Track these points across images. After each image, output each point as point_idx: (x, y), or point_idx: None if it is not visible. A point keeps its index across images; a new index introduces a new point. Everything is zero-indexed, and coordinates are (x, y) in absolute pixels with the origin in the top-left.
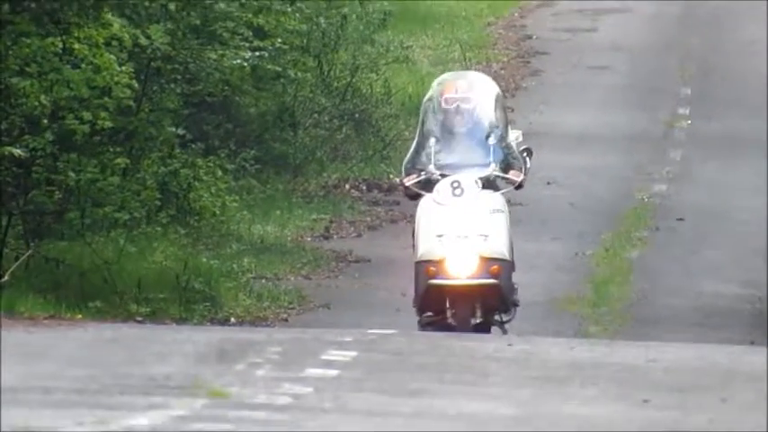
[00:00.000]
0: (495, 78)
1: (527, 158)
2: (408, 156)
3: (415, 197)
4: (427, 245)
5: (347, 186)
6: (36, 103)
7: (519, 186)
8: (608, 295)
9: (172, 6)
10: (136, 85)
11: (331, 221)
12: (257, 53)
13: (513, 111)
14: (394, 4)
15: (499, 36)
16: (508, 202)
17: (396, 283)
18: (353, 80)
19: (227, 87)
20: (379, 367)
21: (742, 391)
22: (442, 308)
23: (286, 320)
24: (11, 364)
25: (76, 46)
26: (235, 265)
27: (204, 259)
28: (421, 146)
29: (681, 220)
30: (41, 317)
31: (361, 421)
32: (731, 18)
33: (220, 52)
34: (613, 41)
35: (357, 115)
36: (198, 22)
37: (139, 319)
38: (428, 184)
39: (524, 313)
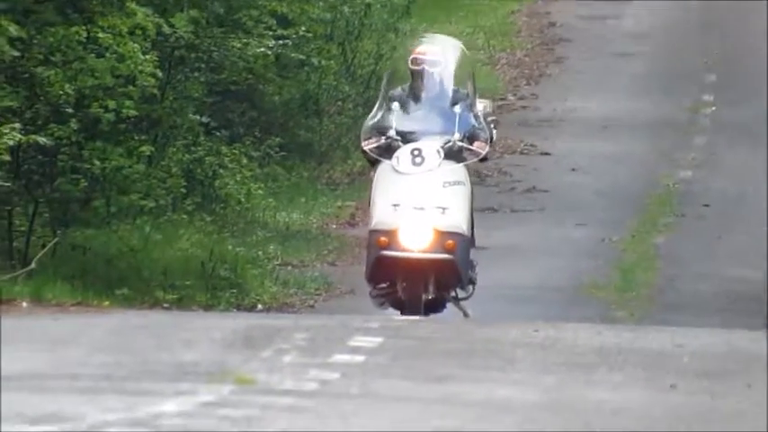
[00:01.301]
0: (518, 66)
1: (494, 130)
2: (370, 118)
3: (375, 162)
4: (381, 214)
5: (372, 173)
6: (61, 92)
7: (484, 159)
8: (634, 281)
9: None
10: (160, 73)
11: (356, 208)
12: (281, 41)
13: (536, 97)
14: None
15: (523, 23)
16: (532, 188)
17: None
18: (377, 68)
19: (251, 75)
20: (405, 353)
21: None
22: (392, 280)
23: (312, 307)
24: (38, 350)
25: (101, 35)
26: (260, 252)
27: (230, 246)
28: (384, 109)
29: (706, 206)
30: (69, 303)
31: (387, 407)
32: (757, 4)
33: (244, 41)
34: (637, 28)
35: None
36: (221, 10)
37: (166, 305)
38: (388, 150)
39: (551, 299)
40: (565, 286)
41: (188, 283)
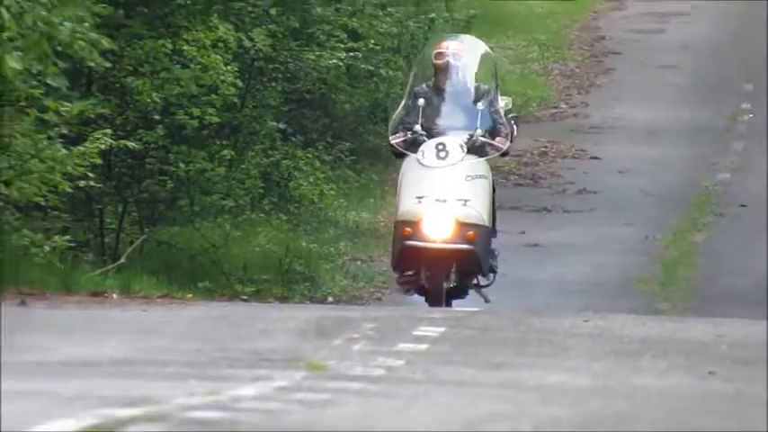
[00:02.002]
0: (570, 76)
1: (514, 126)
2: (396, 114)
3: (401, 156)
4: (406, 205)
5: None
6: (149, 100)
7: (505, 153)
8: (676, 276)
9: (273, 11)
10: (240, 83)
11: None
12: (351, 54)
13: (587, 105)
14: (477, 7)
15: (575, 37)
16: (582, 190)
17: None
18: None
19: (323, 85)
20: (465, 342)
21: None
22: (417, 268)
23: (380, 299)
24: (128, 339)
25: (186, 47)
26: (332, 249)
27: (304, 243)
28: (410, 106)
29: (744, 206)
30: (155, 296)
31: (448, 391)
32: None
33: (317, 53)
34: (680, 41)
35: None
36: (297, 25)
37: (245, 297)
38: (414, 144)
39: (599, 292)
40: (612, 280)
41: (265, 277)
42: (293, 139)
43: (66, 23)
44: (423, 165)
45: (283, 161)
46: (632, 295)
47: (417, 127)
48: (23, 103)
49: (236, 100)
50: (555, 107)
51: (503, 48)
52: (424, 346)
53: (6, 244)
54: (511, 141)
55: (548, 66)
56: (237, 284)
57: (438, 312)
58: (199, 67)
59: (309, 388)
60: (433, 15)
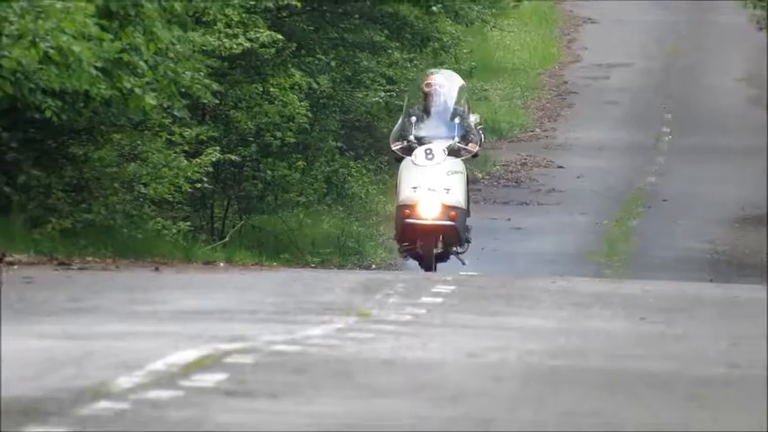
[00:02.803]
0: (543, 109)
1: (482, 135)
2: (395, 128)
3: (399, 159)
4: (405, 194)
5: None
6: (245, 126)
7: (475, 155)
8: (617, 250)
9: (333, 63)
10: (310, 114)
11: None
12: (388, 93)
13: (555, 130)
14: (477, 60)
15: (546, 81)
16: (551, 189)
17: (480, 242)
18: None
19: (369, 116)
20: (468, 296)
21: (704, 311)
22: (413, 240)
23: (392, 264)
24: (230, 294)
25: (271, 89)
26: (374, 231)
27: (354, 227)
28: (405, 122)
29: (665, 201)
30: (250, 264)
31: (457, 332)
32: (701, 68)
33: (364, 93)
34: (620, 85)
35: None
36: (350, 73)
37: (313, 265)
38: (409, 150)
39: (563, 261)
40: (572, 253)
41: (327, 250)
42: (347, 153)
43: (187, 72)
44: (416, 164)
45: (340, 169)
46: (586, 264)
47: (411, 137)
48: (157, 129)
49: (307, 126)
50: (532, 131)
51: (495, 89)
52: (439, 300)
53: (145, 227)
54: (480, 146)
55: (526, 101)
56: (308, 256)
57: (449, 276)
58: (281, 103)
59: (358, 329)
60: (445, 66)
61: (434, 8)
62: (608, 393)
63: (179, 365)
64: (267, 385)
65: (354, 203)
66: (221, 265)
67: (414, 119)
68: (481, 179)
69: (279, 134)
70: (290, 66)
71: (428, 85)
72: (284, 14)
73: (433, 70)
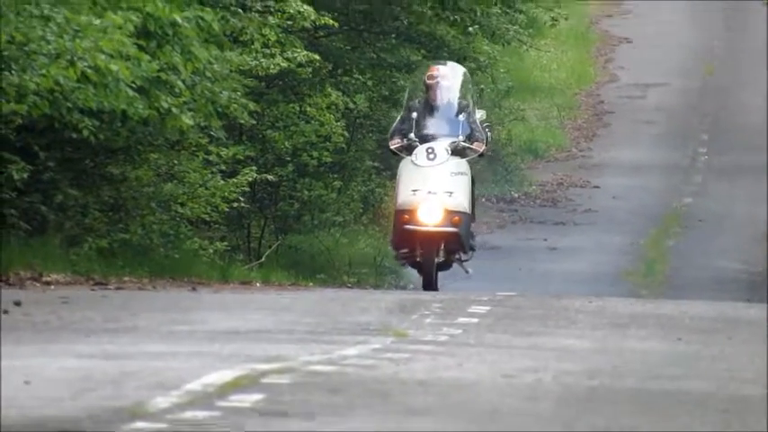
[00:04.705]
0: (579, 129)
1: (489, 133)
2: (395, 124)
3: (397, 154)
4: (404, 197)
5: (482, 199)
6: (282, 146)
7: (481, 155)
8: (654, 270)
9: (369, 83)
10: (346, 134)
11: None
12: None
13: (591, 149)
14: (514, 80)
15: (582, 101)
16: (588, 209)
17: (517, 262)
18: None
19: None
20: (504, 316)
21: (743, 333)
22: (413, 247)
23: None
24: (267, 315)
25: (308, 109)
26: None
27: (390, 247)
28: (405, 118)
29: (701, 221)
30: (287, 284)
31: (492, 352)
32: (736, 87)
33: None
34: (656, 104)
35: (490, 153)
36: (386, 92)
37: (349, 285)
38: (409, 148)
39: (599, 281)
40: (609, 273)
41: (364, 270)
42: (384, 173)
43: (224, 92)
44: (416, 164)
45: (377, 189)
46: (622, 284)
47: (411, 135)
48: (194, 148)
49: (343, 146)
50: (568, 151)
51: (532, 109)
52: (475, 320)
53: (181, 247)
54: (486, 145)
55: (563, 121)
56: (344, 276)
57: (485, 296)
58: (317, 122)
59: (395, 349)
60: (482, 86)
61: (471, 29)
62: (643, 413)
63: (216, 385)
64: (303, 405)
65: (390, 224)
66: (258, 285)
67: (415, 114)
68: (517, 199)
69: (315, 154)
70: (326, 85)
71: (431, 77)
72: (321, 34)
73: (436, 61)
